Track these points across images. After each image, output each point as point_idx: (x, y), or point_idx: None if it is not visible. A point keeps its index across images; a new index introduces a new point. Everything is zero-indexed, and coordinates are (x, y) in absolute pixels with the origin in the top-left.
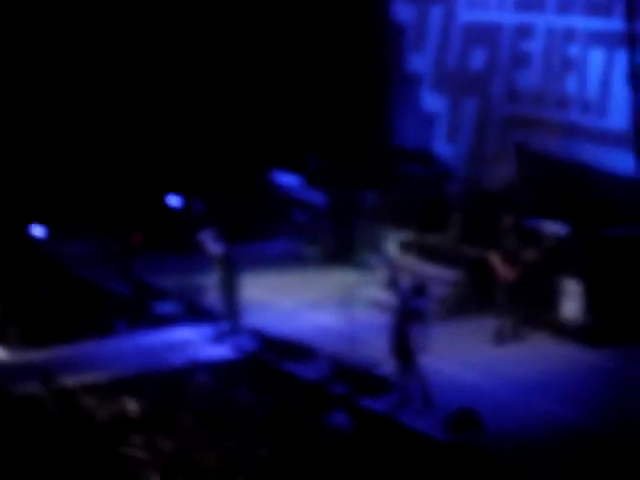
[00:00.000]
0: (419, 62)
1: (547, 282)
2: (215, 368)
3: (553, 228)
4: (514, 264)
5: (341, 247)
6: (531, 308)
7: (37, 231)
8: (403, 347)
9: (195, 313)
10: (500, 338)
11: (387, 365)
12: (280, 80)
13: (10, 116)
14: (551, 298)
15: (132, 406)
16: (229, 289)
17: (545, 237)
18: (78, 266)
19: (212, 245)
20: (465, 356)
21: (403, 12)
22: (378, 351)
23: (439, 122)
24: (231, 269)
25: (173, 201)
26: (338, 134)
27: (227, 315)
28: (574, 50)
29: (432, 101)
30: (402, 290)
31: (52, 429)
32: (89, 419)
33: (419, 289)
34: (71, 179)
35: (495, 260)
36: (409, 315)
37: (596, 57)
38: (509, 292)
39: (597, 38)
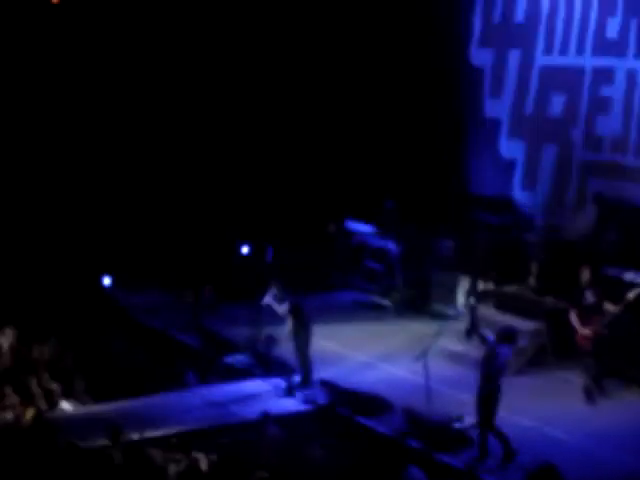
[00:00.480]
0: (497, 107)
1: (633, 334)
2: (287, 421)
3: (635, 277)
4: (593, 322)
5: (416, 297)
6: (617, 361)
7: (107, 281)
8: (487, 398)
9: (266, 365)
10: (589, 397)
11: (464, 419)
12: (356, 125)
13: (76, 168)
14: (638, 351)
15: (203, 460)
16: (300, 341)
17: (627, 287)
18: (148, 317)
19: (277, 307)
20: (544, 409)
21: (481, 56)
22: (454, 405)
23: (517, 169)
24: (301, 320)
25: (244, 249)
26: (414, 181)
27: (299, 367)
28: None
29: (510, 147)
30: (487, 339)
31: None
32: (159, 474)
33: (507, 336)
34: (140, 228)
35: (574, 319)
36: (494, 365)
37: None
38: (591, 350)
39: None
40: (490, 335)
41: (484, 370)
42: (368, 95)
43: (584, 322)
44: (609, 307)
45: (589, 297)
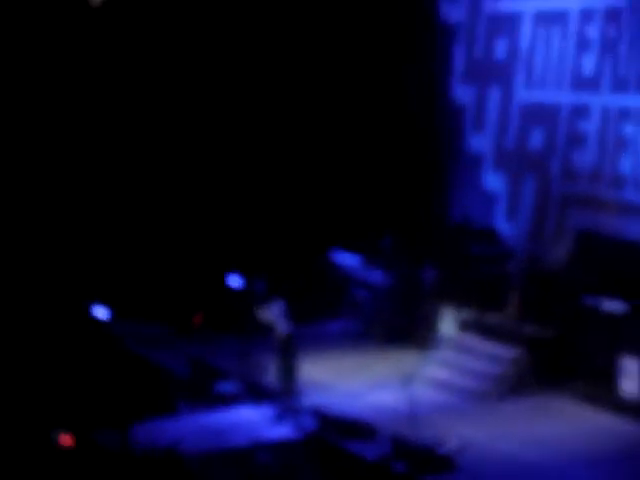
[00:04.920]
0: (480, 142)
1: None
2: (277, 449)
3: (612, 306)
4: None
5: (402, 326)
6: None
7: (99, 312)
8: None
9: (255, 393)
10: None
11: (449, 443)
12: (344, 160)
13: (65, 200)
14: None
15: None
16: (288, 368)
17: (606, 316)
18: (140, 347)
19: (280, 322)
20: (526, 435)
21: (463, 93)
22: (438, 430)
23: (499, 201)
24: (291, 348)
25: (234, 281)
26: (401, 213)
27: (286, 395)
28: (628, 129)
29: (492, 180)
30: None
31: None
32: None
33: None
34: (132, 259)
35: None
36: None
37: None
38: None
39: None
40: None
41: None
42: (354, 130)
43: None
44: None
45: None
